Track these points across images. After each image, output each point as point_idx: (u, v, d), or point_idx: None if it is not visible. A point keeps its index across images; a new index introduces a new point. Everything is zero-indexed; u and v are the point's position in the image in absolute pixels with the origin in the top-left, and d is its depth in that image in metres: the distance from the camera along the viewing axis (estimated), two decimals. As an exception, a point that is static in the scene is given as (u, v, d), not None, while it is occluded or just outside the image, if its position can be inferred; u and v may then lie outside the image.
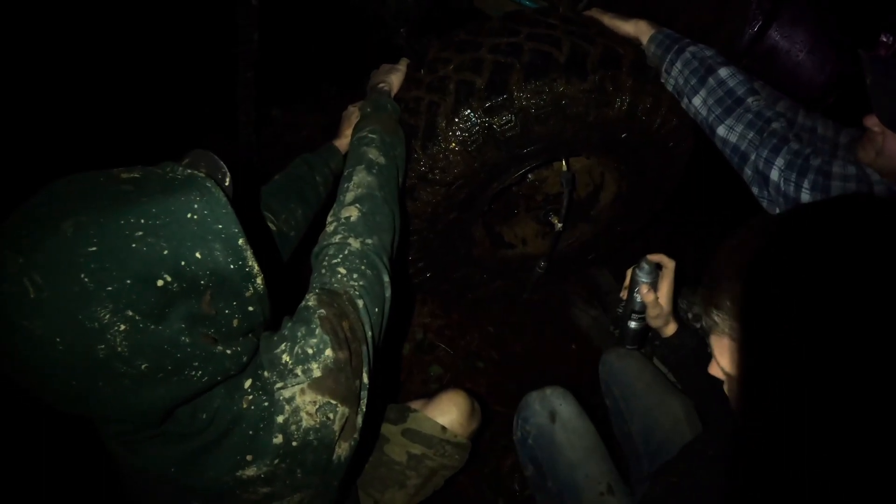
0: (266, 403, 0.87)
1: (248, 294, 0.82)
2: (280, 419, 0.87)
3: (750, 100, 1.32)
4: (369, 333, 0.99)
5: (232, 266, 0.79)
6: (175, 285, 0.74)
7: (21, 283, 0.67)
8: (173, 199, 0.76)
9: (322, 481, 0.94)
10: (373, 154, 1.25)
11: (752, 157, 1.30)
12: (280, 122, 2.75)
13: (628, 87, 1.47)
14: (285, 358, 0.89)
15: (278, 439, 0.87)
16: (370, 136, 1.30)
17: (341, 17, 2.75)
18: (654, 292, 1.32)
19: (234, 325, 0.81)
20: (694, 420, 1.42)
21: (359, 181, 1.18)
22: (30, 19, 2.66)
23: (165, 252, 0.73)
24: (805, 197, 1.22)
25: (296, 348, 0.90)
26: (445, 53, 1.50)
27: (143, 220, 0.73)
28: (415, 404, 1.45)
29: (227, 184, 0.88)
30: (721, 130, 1.34)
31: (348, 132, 1.52)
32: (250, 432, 0.86)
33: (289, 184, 1.42)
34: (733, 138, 1.33)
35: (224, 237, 0.79)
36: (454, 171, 1.47)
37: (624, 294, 1.38)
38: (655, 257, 1.35)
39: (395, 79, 1.54)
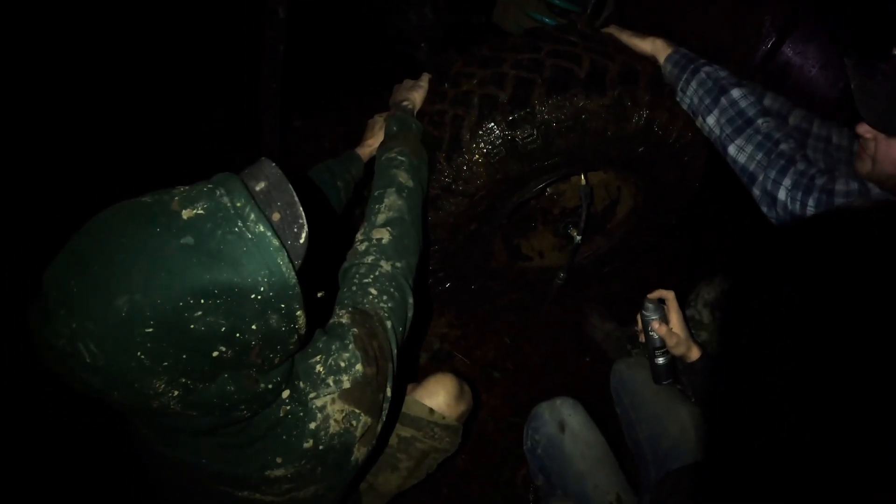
0: (301, 413, 0.92)
1: (292, 341, 0.85)
2: (312, 426, 0.92)
3: (760, 121, 1.36)
4: (395, 352, 1.04)
5: (283, 329, 0.80)
6: (228, 353, 0.76)
7: (75, 347, 0.68)
8: (239, 279, 0.73)
9: (336, 477, 1.00)
10: (402, 178, 1.29)
11: (761, 178, 1.34)
12: (302, 131, 2.80)
13: (646, 103, 1.50)
14: (319, 368, 0.95)
15: (308, 444, 0.92)
16: (399, 158, 1.33)
17: (363, 31, 2.80)
18: (665, 324, 1.36)
19: (276, 363, 0.85)
20: (702, 428, 1.44)
21: (390, 204, 1.22)
22: (64, 37, 2.74)
23: (223, 329, 0.73)
24: (810, 214, 1.26)
25: (329, 360, 0.95)
26: (469, 68, 1.54)
27: (202, 301, 0.71)
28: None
29: (301, 241, 0.83)
30: (731, 150, 1.39)
31: (370, 141, 1.56)
32: (284, 437, 0.91)
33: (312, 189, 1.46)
34: (742, 159, 1.37)
35: (284, 312, 0.79)
36: (477, 182, 1.50)
37: (642, 338, 1.42)
38: (655, 294, 1.40)
39: (417, 96, 1.58)
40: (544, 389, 2.10)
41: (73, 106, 2.60)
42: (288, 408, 0.91)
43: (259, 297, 0.75)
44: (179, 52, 2.85)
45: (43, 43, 2.70)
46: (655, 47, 1.53)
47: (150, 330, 0.69)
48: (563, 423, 1.45)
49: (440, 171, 1.50)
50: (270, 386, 0.86)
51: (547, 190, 2.09)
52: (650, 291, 1.41)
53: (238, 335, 0.75)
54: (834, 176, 1.25)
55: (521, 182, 1.58)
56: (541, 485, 1.53)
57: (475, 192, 1.53)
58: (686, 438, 1.40)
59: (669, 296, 1.39)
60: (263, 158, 0.88)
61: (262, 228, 0.75)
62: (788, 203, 1.29)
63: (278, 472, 0.92)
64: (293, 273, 0.78)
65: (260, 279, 0.74)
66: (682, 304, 1.46)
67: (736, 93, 1.38)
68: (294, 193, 0.84)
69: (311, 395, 0.93)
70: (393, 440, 1.40)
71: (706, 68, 1.43)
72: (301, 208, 0.83)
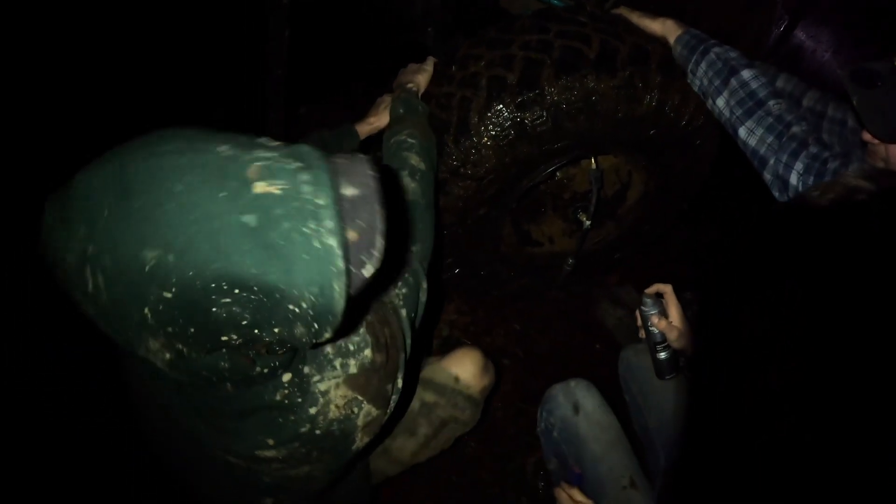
0: (300, 399, 0.89)
1: (304, 347, 0.80)
2: (312, 410, 0.89)
3: (771, 103, 1.33)
4: (408, 342, 1.02)
5: (304, 340, 0.72)
6: (238, 341, 0.69)
7: (83, 270, 0.62)
8: (286, 286, 0.64)
9: (334, 462, 0.98)
10: (414, 160, 1.27)
11: (772, 162, 1.31)
12: (308, 119, 2.78)
13: (657, 84, 1.48)
14: (328, 349, 0.92)
15: (305, 428, 0.90)
16: (409, 140, 1.31)
17: (369, 17, 2.78)
18: (664, 319, 1.35)
19: (278, 353, 0.80)
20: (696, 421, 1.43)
21: (403, 187, 1.21)
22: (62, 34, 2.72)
23: (244, 322, 0.66)
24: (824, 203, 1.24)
25: (339, 341, 0.93)
26: (476, 50, 1.52)
27: (236, 290, 0.63)
28: (430, 358, 1.48)
29: (365, 272, 0.70)
30: (742, 132, 1.36)
31: (372, 119, 1.53)
32: (280, 420, 0.88)
33: None
34: (752, 142, 1.34)
35: (314, 330, 0.70)
36: (485, 165, 1.49)
37: (642, 333, 1.42)
38: (652, 289, 1.39)
39: (422, 79, 1.55)
40: (554, 376, 2.08)
41: (72, 104, 2.60)
42: (286, 391, 0.88)
43: (296, 311, 0.66)
44: (180, 44, 2.83)
45: (40, 40, 2.69)
46: (666, 28, 1.51)
47: (169, 295, 0.61)
48: (578, 405, 1.45)
49: (448, 155, 1.48)
50: (266, 370, 0.81)
51: (557, 174, 2.07)
52: (660, 278, 1.40)
53: (257, 331, 0.68)
54: (848, 160, 1.23)
55: (530, 165, 1.57)
56: (553, 469, 1.52)
57: (484, 175, 1.51)
58: None
59: (667, 290, 1.38)
60: (363, 157, 0.75)
61: (332, 242, 0.65)
62: (800, 188, 1.26)
63: (269, 454, 0.90)
64: (343, 304, 0.67)
65: (306, 295, 0.65)
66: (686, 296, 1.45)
67: (746, 74, 1.36)
68: (381, 217, 0.71)
69: (315, 379, 0.90)
70: (415, 404, 1.38)
71: (716, 49, 1.41)
72: (381, 238, 0.71)
